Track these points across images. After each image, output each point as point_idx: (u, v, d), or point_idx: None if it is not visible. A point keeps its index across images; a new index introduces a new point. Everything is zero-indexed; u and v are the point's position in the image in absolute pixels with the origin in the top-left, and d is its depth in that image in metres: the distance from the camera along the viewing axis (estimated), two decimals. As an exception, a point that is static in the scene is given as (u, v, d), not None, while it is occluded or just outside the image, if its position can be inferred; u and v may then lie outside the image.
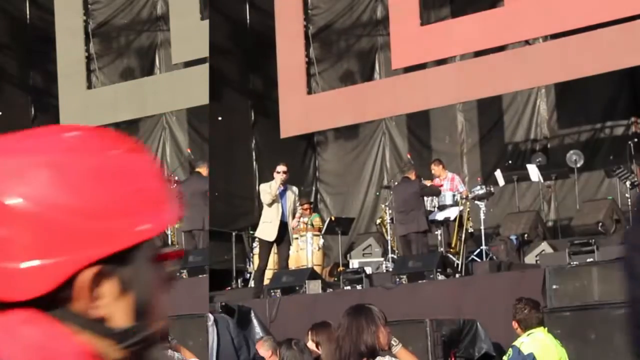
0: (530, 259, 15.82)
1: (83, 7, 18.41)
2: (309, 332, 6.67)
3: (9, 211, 1.34)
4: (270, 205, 15.04)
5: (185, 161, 19.22)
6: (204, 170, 16.50)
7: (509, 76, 15.39)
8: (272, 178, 15.38)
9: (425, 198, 15.62)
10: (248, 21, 19.86)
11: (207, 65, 16.00)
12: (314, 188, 20.45)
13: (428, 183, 16.11)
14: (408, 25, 15.87)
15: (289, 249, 15.28)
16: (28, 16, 19.71)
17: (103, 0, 19.93)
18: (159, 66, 20.34)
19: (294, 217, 15.36)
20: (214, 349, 4.73)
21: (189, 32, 16.77)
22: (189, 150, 18.48)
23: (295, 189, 15.41)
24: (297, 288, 14.29)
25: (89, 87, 18.47)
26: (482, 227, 15.65)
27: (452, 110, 19.44)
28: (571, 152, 17.90)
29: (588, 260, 12.31)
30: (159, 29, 20.22)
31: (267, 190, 15.05)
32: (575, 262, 12.22)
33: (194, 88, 16.42)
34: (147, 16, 20.34)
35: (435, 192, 15.73)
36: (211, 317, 4.81)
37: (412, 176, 15.69)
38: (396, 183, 16.89)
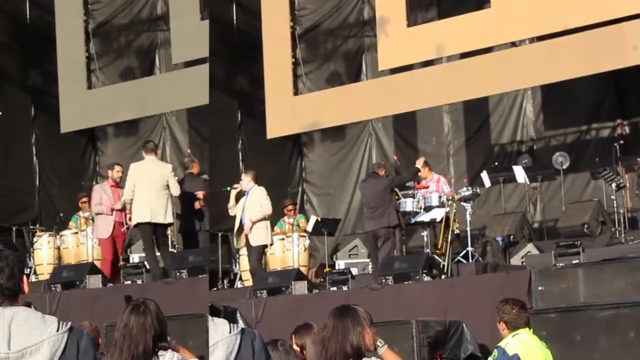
0: (516, 260, 15.85)
1: (83, 7, 18.42)
2: (292, 336, 6.64)
3: None
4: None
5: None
6: (195, 168, 16.45)
7: (495, 78, 15.42)
8: (258, 179, 15.32)
9: (413, 199, 15.56)
10: (235, 21, 19.84)
11: (207, 65, 16.01)
12: (300, 189, 20.42)
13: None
14: (395, 27, 15.89)
15: (255, 252, 15.13)
16: (28, 16, 19.65)
17: (103, 0, 19.90)
18: (159, 66, 20.32)
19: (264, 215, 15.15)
20: (231, 357, 4.73)
21: (189, 32, 16.78)
22: (189, 150, 18.46)
23: (260, 189, 15.24)
24: (283, 289, 14.27)
25: (89, 87, 18.48)
26: (468, 229, 15.65)
27: (439, 112, 19.44)
28: (557, 153, 17.92)
29: (574, 261, 12.31)
30: (159, 29, 20.20)
31: (229, 205, 15.15)
32: (560, 264, 12.22)
33: (194, 88, 16.44)
34: (147, 16, 20.31)
35: (402, 180, 15.52)
36: (240, 326, 4.80)
37: (381, 172, 15.59)
38: (364, 180, 16.79)
